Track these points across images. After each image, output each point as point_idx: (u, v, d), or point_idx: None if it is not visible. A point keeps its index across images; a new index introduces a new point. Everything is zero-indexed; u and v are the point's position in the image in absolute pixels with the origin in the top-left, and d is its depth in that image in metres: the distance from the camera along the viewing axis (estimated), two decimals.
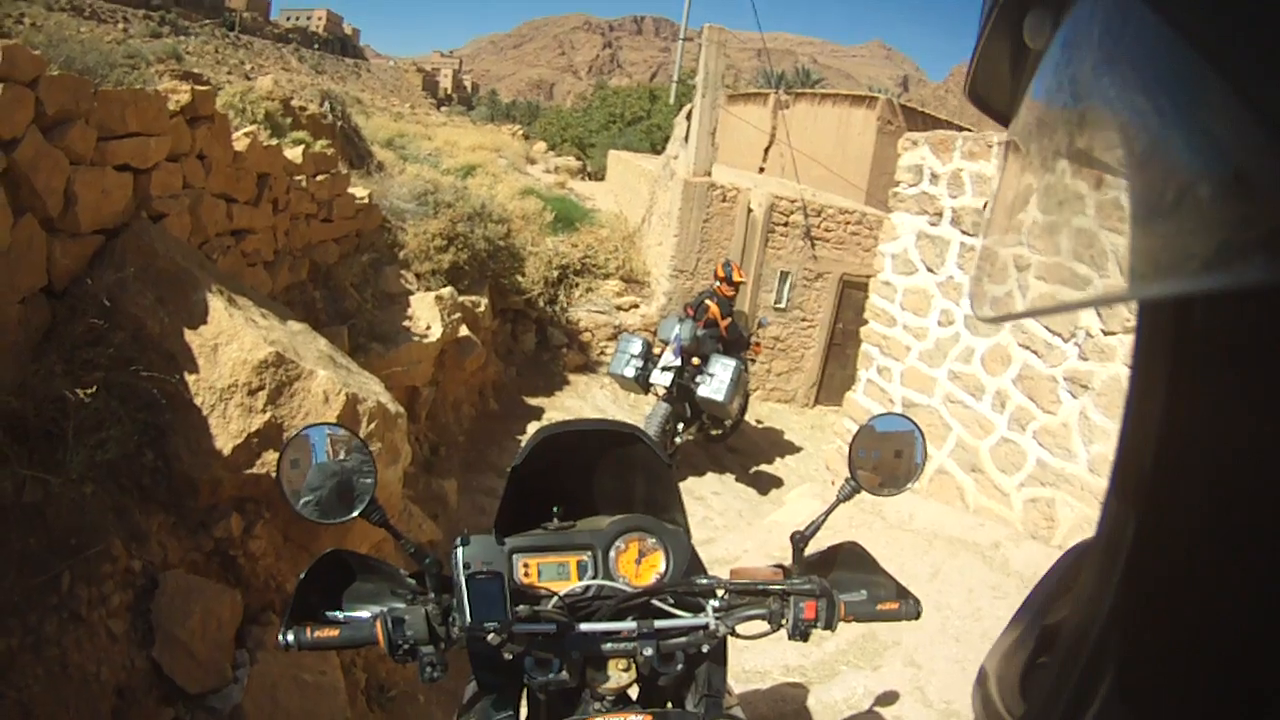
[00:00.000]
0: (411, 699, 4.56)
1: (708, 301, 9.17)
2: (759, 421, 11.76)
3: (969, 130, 8.38)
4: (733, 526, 8.30)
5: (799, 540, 1.98)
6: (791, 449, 11.20)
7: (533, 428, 10.09)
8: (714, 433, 9.69)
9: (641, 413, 10.14)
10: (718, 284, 9.27)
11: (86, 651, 3.09)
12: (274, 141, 6.53)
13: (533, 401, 11.05)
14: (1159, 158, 0.34)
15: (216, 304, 4.11)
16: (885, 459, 2.07)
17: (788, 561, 2.05)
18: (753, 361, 10.03)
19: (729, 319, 9.17)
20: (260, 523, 4.07)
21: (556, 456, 2.10)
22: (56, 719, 2.87)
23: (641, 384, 8.88)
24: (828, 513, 1.98)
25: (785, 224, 12.33)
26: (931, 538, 5.91)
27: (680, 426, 8.98)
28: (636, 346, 8.95)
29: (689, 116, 12.51)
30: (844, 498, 2.01)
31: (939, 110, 18.35)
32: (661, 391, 8.73)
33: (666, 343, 8.76)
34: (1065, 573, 0.76)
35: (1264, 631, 0.39)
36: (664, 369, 8.61)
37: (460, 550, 1.82)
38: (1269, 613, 0.39)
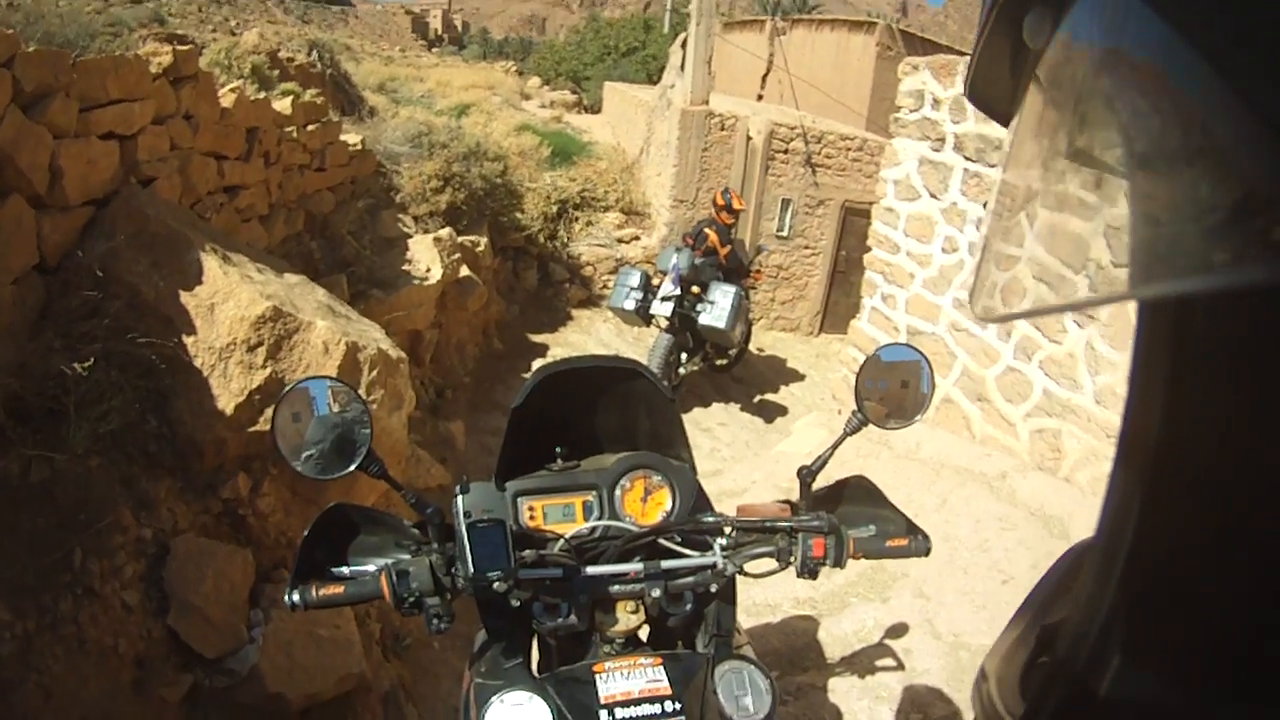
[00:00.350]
0: (426, 646, 4.62)
1: (706, 230, 9.11)
2: (762, 350, 11.76)
3: (960, 54, 8.24)
4: (740, 457, 8.34)
5: (806, 475, 1.98)
6: (797, 377, 11.21)
7: (538, 364, 10.07)
8: (719, 362, 9.66)
9: (646, 345, 10.09)
10: (716, 212, 9.19)
11: (103, 625, 3.11)
12: (261, 95, 6.45)
13: (537, 339, 11.05)
14: (1158, 158, 0.35)
15: (211, 263, 4.08)
16: (892, 390, 2.05)
17: (795, 496, 2.04)
18: (754, 289, 9.98)
19: (729, 247, 9.09)
20: (267, 480, 4.07)
21: (558, 396, 2.09)
22: (78, 695, 2.90)
23: (642, 316, 8.83)
24: (834, 447, 1.98)
25: (785, 151, 12.19)
26: (939, 467, 5.93)
27: (684, 357, 8.98)
28: (635, 279, 8.87)
29: (684, 45, 12.31)
30: (851, 431, 2.00)
31: (939, 35, 18.15)
32: (663, 323, 8.75)
33: (665, 273, 8.69)
34: (1065, 573, 0.76)
35: (1264, 631, 0.39)
36: (663, 299, 8.56)
37: (460, 499, 1.78)
38: (1269, 612, 0.39)
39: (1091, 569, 0.51)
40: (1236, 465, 0.40)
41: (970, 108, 6.31)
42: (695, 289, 8.65)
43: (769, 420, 9.67)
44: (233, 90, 5.78)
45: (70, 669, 2.91)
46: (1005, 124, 0.58)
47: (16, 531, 3.06)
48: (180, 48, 5.01)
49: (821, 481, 2.04)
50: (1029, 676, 0.65)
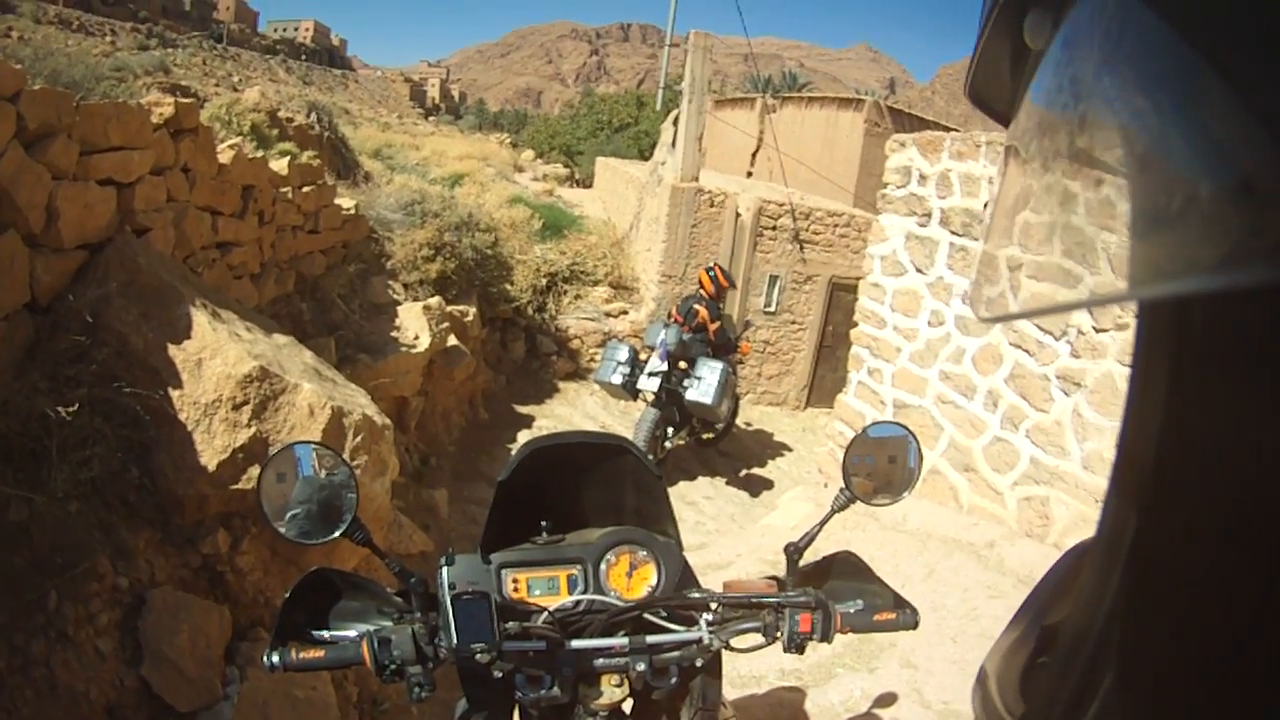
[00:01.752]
0: (404, 711, 4.54)
1: (696, 306, 9.19)
2: (749, 424, 11.77)
3: (956, 130, 8.41)
4: (725, 530, 8.30)
5: (793, 551, 1.97)
6: (783, 451, 11.19)
7: (524, 436, 10.21)
8: (705, 436, 9.69)
9: (632, 419, 10.09)
10: (705, 289, 9.31)
11: (75, 671, 3.06)
12: (260, 153, 6.52)
13: (523, 410, 11.02)
14: (1159, 159, 0.35)
15: (200, 318, 4.09)
16: (880, 466, 2.06)
17: (781, 570, 2.03)
18: (740, 363, 10.06)
19: (718, 323, 9.19)
20: (247, 538, 4.04)
21: (544, 469, 2.08)
22: None
23: (629, 391, 8.88)
24: (822, 524, 1.97)
25: (774, 227, 12.34)
26: (925, 538, 5.91)
27: (670, 431, 9.02)
28: (623, 353, 8.96)
29: (676, 122, 12.52)
30: (838, 508, 1.99)
31: (926, 111, 18.58)
32: (650, 397, 8.80)
33: (653, 348, 8.81)
34: (1065, 573, 0.76)
35: (1264, 631, 0.39)
36: (650, 374, 8.66)
37: (445, 570, 1.80)
38: (1269, 613, 0.38)
39: (1091, 569, 0.51)
40: (1237, 465, 0.40)
41: (956, 183, 6.42)
42: (682, 364, 8.78)
43: (754, 494, 9.62)
44: (231, 147, 5.84)
45: (40, 712, 2.86)
46: (1005, 125, 0.59)
47: None
48: (182, 100, 5.08)
49: (809, 557, 2.05)
50: (1029, 676, 0.65)
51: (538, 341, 12.35)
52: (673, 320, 9.19)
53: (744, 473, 10.17)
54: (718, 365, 8.51)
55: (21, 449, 3.36)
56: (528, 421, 10.68)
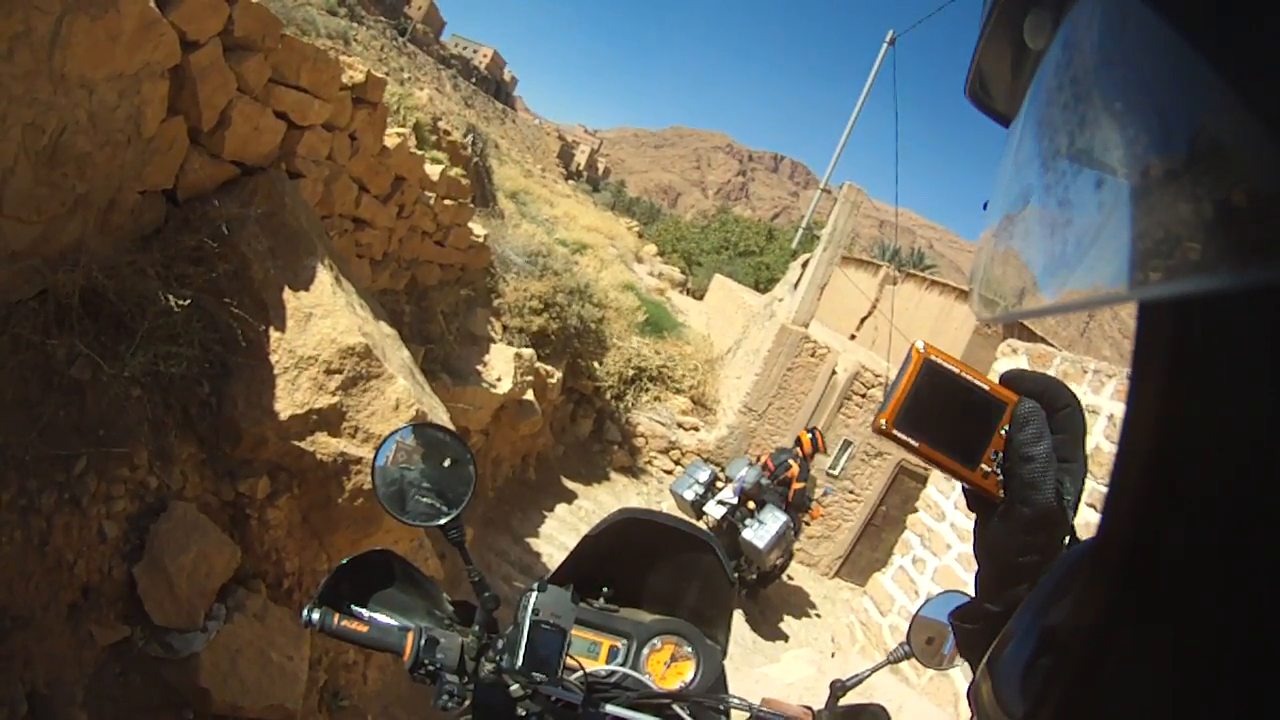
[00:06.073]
0: (360, 714, 4.51)
1: (791, 461, 9.58)
2: (790, 578, 11.61)
3: (1054, 348, 8.38)
4: None
5: (838, 688, 1.96)
6: (801, 613, 10.95)
7: (562, 509, 10.17)
8: (749, 578, 9.81)
9: None
10: (801, 448, 9.70)
11: (71, 539, 3.09)
12: (418, 152, 6.73)
13: (570, 485, 11.05)
14: (1159, 158, 0.35)
15: (324, 276, 4.17)
16: (941, 633, 2.06)
17: (815, 705, 2.03)
18: (807, 524, 10.14)
19: (804, 484, 9.50)
20: (286, 495, 4.07)
21: (625, 539, 2.10)
22: (13, 586, 2.86)
23: (696, 510, 9.17)
24: (875, 669, 1.97)
25: (864, 395, 12.33)
26: None
27: None
28: (704, 475, 9.36)
29: (804, 265, 12.66)
30: (895, 660, 1.98)
31: (1036, 325, 18.32)
32: (711, 522, 9.01)
33: (730, 480, 9.20)
34: (1065, 573, 0.75)
35: (1265, 632, 0.39)
36: (720, 502, 9.04)
37: (534, 595, 1.80)
38: (1270, 613, 0.39)
39: (1091, 569, 0.51)
40: (1237, 466, 0.41)
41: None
42: (750, 505, 9.07)
43: (758, 642, 9.47)
44: (399, 134, 6.05)
45: (19, 557, 2.88)
46: (1005, 125, 0.59)
47: (35, 409, 3.08)
48: (375, 73, 5.28)
49: (845, 699, 2.05)
50: (1029, 676, 0.66)
51: (605, 427, 12.42)
52: (761, 464, 9.57)
53: (755, 618, 10.00)
54: (781, 518, 8.79)
55: (111, 316, 3.43)
56: (570, 496, 10.69)
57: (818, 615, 11.11)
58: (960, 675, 6.22)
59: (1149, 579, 0.46)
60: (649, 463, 12.59)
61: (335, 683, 4.45)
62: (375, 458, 1.79)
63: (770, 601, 10.69)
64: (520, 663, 1.70)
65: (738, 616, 9.76)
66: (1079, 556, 0.77)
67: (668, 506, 11.41)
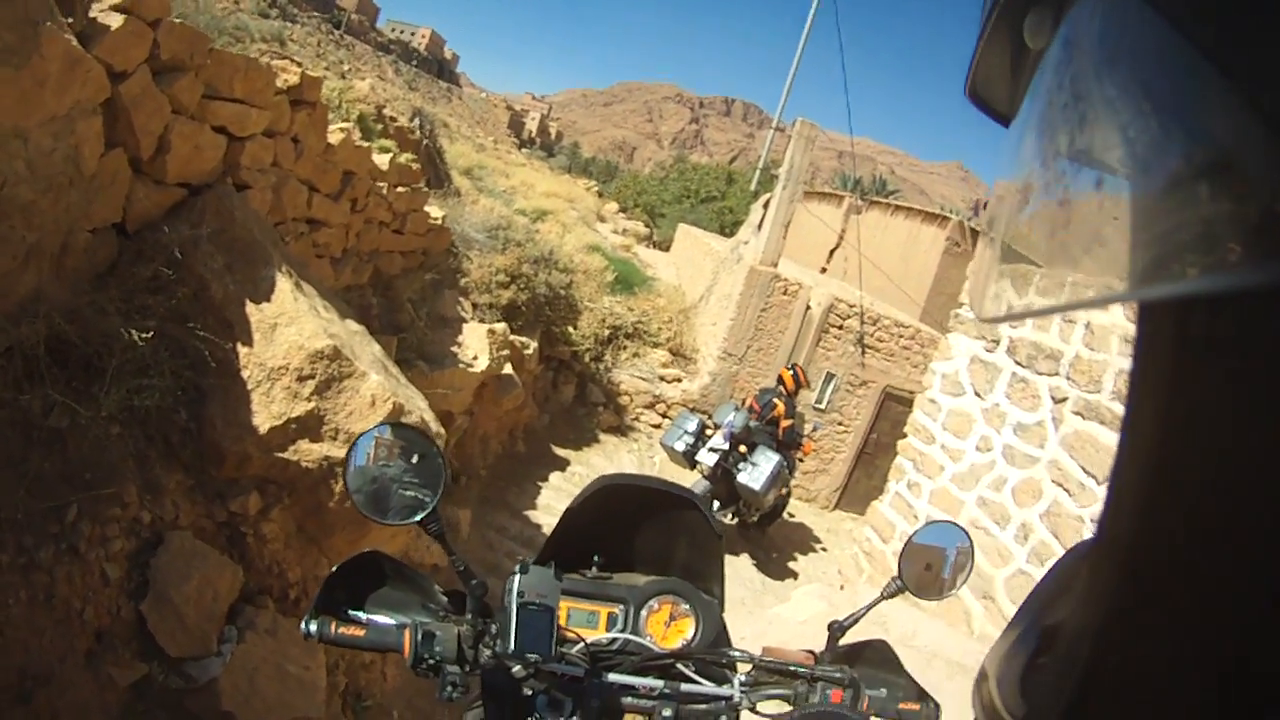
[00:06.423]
0: (386, 712, 4.54)
1: (776, 400, 9.63)
2: (792, 515, 11.76)
3: (1038, 266, 8.40)
4: (732, 614, 8.17)
5: (836, 629, 1.98)
6: (804, 547, 11.09)
7: (556, 477, 10.22)
8: (751, 520, 9.96)
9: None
10: (784, 386, 9.82)
11: (75, 587, 3.09)
12: (365, 144, 6.67)
13: (560, 452, 11.08)
14: (1160, 158, 0.35)
15: (284, 284, 4.15)
16: (937, 564, 2.06)
17: (816, 648, 2.04)
18: (800, 460, 10.21)
19: (791, 420, 9.58)
20: (278, 507, 4.07)
21: (610, 505, 2.11)
22: (28, 644, 2.86)
23: (688, 459, 9.29)
24: (870, 607, 1.97)
25: (840, 327, 12.38)
26: (931, 657, 5.80)
27: (716, 506, 9.31)
28: (692, 424, 9.40)
29: (766, 205, 12.63)
30: (888, 594, 1.99)
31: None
32: (705, 470, 9.13)
33: (719, 426, 9.24)
34: (1065, 573, 0.73)
35: (1265, 632, 0.39)
36: (711, 450, 9.10)
37: (517, 577, 1.79)
38: (1270, 613, 0.39)
39: (1091, 569, 0.51)
40: (1238, 467, 0.41)
41: (1030, 321, 6.41)
42: (742, 448, 9.13)
43: (767, 583, 9.57)
44: (342, 129, 5.99)
45: (29, 615, 2.88)
46: (1005, 125, 0.59)
47: (20, 467, 3.06)
48: (310, 73, 5.23)
49: (847, 638, 2.06)
50: (1029, 676, 0.63)
51: (588, 389, 12.45)
52: (747, 406, 9.63)
53: (761, 560, 10.10)
54: (774, 457, 8.89)
55: (79, 360, 3.41)
56: (562, 464, 10.72)
57: (823, 549, 11.23)
58: (970, 594, 6.31)
59: (1149, 578, 0.46)
60: (636, 419, 12.63)
61: (356, 685, 4.48)
62: (345, 468, 1.77)
63: (775, 541, 10.79)
64: (513, 646, 1.70)
65: (745, 561, 9.90)
66: (1079, 556, 0.74)
67: (660, 460, 11.50)
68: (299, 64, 5.33)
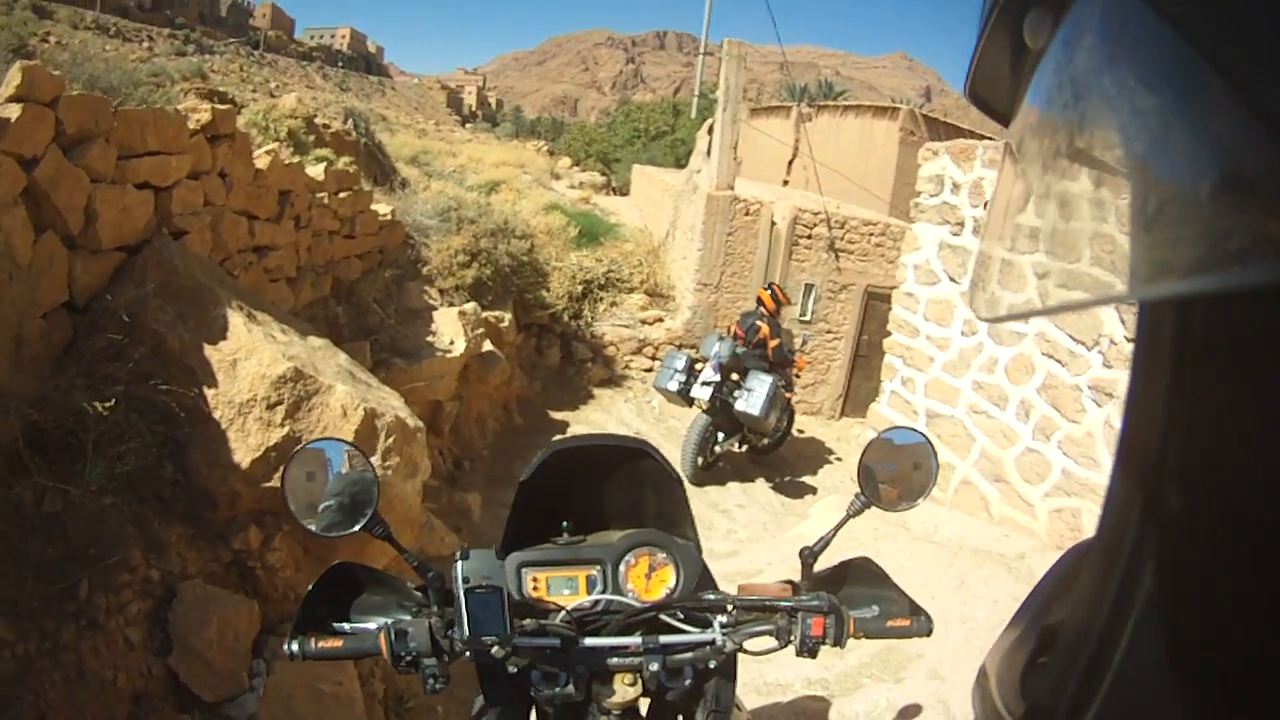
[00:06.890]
0: (430, 710, 4.56)
1: (758, 323, 9.63)
2: (801, 431, 11.80)
3: (991, 139, 8.34)
4: (757, 539, 8.28)
5: (808, 556, 1.96)
6: (817, 462, 11.16)
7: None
8: (761, 444, 10.06)
9: (668, 426, 10.59)
10: (764, 307, 9.73)
11: (104, 658, 3.13)
12: (296, 159, 6.63)
13: (557, 415, 11.08)
14: (1159, 158, 0.35)
15: (236, 320, 4.17)
16: (901, 472, 2.04)
17: (798, 577, 2.04)
18: (797, 377, 10.21)
19: (778, 339, 9.54)
20: (279, 535, 4.11)
21: (566, 471, 2.09)
22: None
23: (684, 397, 9.29)
24: (836, 529, 1.96)
25: (809, 236, 12.33)
26: (956, 549, 5.86)
27: (721, 437, 9.41)
28: (680, 362, 9.35)
29: (710, 131, 12.53)
30: (854, 513, 1.98)
31: (962, 120, 18.12)
32: (703, 405, 9.17)
33: (707, 359, 9.25)
34: (1065, 573, 0.76)
35: (1265, 631, 0.39)
36: (703, 384, 9.10)
37: (460, 565, 1.83)
38: (1270, 612, 0.39)
39: (1091, 569, 0.52)
40: (1237, 465, 0.41)
41: (989, 190, 6.37)
42: (734, 376, 9.14)
43: (787, 503, 9.63)
44: (268, 152, 5.94)
45: (67, 695, 2.93)
46: (1005, 124, 0.59)
47: (24, 557, 3.10)
48: (219, 106, 5.18)
49: (827, 561, 2.04)
50: (1029, 676, 0.65)
51: (573, 348, 12.43)
52: (731, 334, 9.66)
53: (776, 482, 10.16)
54: (767, 379, 8.83)
55: (58, 443, 3.44)
56: (562, 427, 10.74)
57: (837, 459, 11.29)
58: (983, 480, 6.33)
59: (1149, 578, 0.46)
60: (626, 368, 12.63)
61: (395, 689, 4.51)
62: (284, 503, 1.80)
63: (787, 460, 10.86)
64: (468, 632, 1.70)
65: (761, 485, 9.98)
66: (1079, 555, 0.76)
67: (659, 404, 11.54)
68: (223, 94, 5.29)
